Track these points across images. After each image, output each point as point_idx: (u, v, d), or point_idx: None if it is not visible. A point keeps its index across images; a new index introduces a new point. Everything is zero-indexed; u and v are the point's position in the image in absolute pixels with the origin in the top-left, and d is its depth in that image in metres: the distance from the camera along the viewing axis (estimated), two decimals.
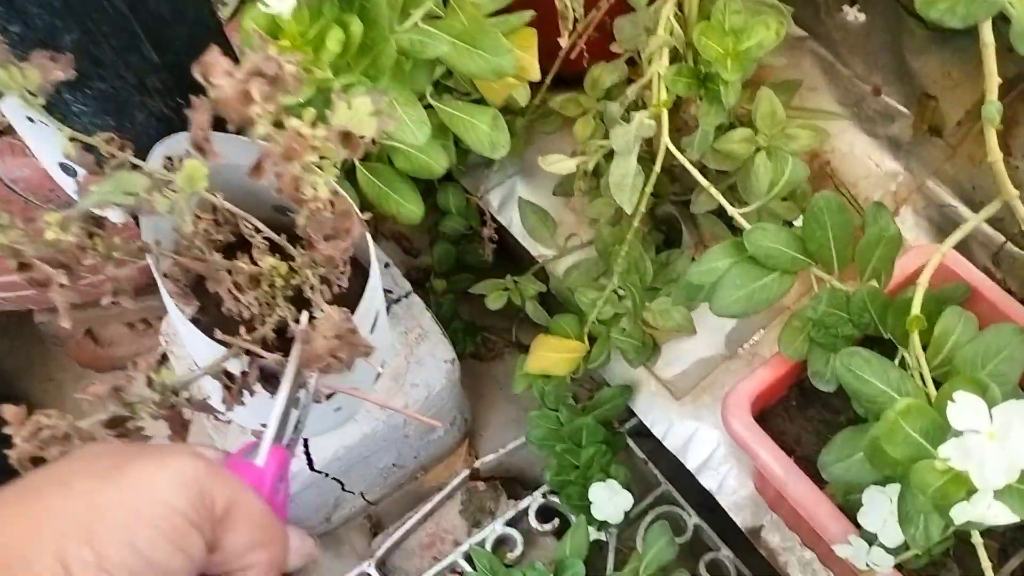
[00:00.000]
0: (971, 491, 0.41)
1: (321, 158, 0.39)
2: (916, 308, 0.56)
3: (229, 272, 0.51)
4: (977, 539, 0.49)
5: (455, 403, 0.92)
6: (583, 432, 0.84)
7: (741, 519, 0.82)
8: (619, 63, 0.82)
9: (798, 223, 0.85)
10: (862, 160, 0.98)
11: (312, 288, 0.49)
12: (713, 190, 0.71)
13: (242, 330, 0.51)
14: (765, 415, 0.70)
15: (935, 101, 0.94)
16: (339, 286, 0.50)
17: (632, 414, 0.90)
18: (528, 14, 0.71)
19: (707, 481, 0.83)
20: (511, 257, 1.02)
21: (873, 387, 0.51)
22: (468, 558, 0.85)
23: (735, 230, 0.92)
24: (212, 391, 0.67)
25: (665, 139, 0.71)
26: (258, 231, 0.51)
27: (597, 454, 0.84)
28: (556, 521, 0.87)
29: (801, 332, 0.67)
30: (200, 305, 0.60)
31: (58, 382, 1.06)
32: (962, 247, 0.95)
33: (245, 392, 0.51)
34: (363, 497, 0.95)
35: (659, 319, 0.84)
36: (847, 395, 0.69)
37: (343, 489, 0.91)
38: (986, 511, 0.40)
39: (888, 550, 0.57)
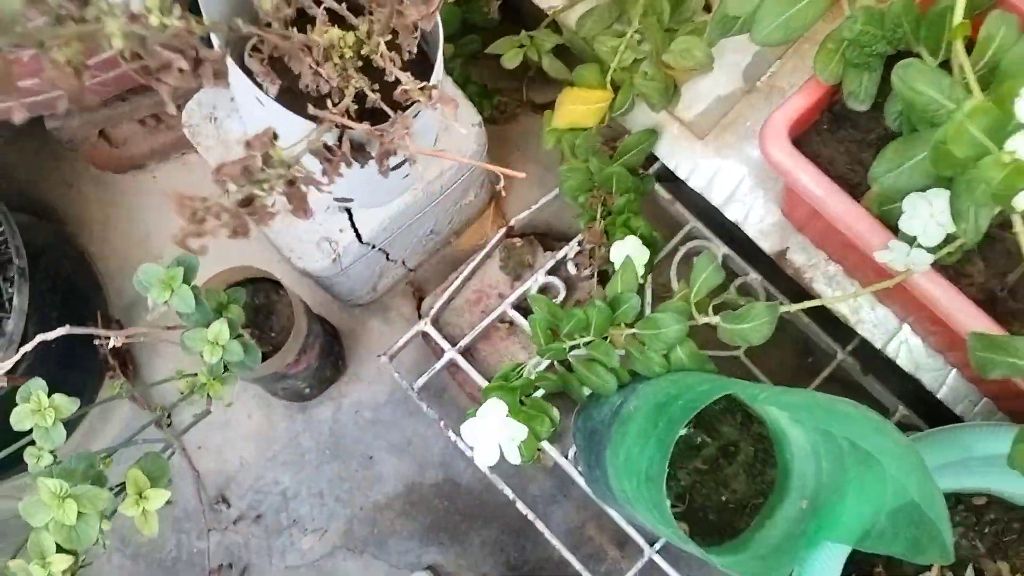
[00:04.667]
0: None
1: None
2: (959, 15, 0.57)
3: (307, 47, 0.50)
4: (1019, 226, 0.53)
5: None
6: (614, 179, 0.86)
7: (767, 244, 0.87)
8: None
9: None
10: None
11: (382, 56, 0.50)
12: None
13: (328, 104, 0.52)
14: (799, 142, 0.73)
15: None
16: (409, 52, 0.50)
17: (653, 160, 0.92)
18: None
19: (732, 213, 0.87)
20: (516, 14, 1.00)
21: (926, 96, 0.53)
22: (516, 307, 0.91)
23: None
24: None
25: None
26: (319, 3, 0.51)
27: (628, 201, 0.87)
28: (592, 267, 0.91)
29: (835, 54, 0.68)
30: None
31: (77, 187, 1.06)
32: None
33: (343, 164, 0.53)
34: (404, 265, 0.99)
35: (680, 59, 0.84)
36: (874, 114, 0.72)
37: (387, 259, 0.95)
38: None
39: (928, 250, 0.62)
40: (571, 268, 0.91)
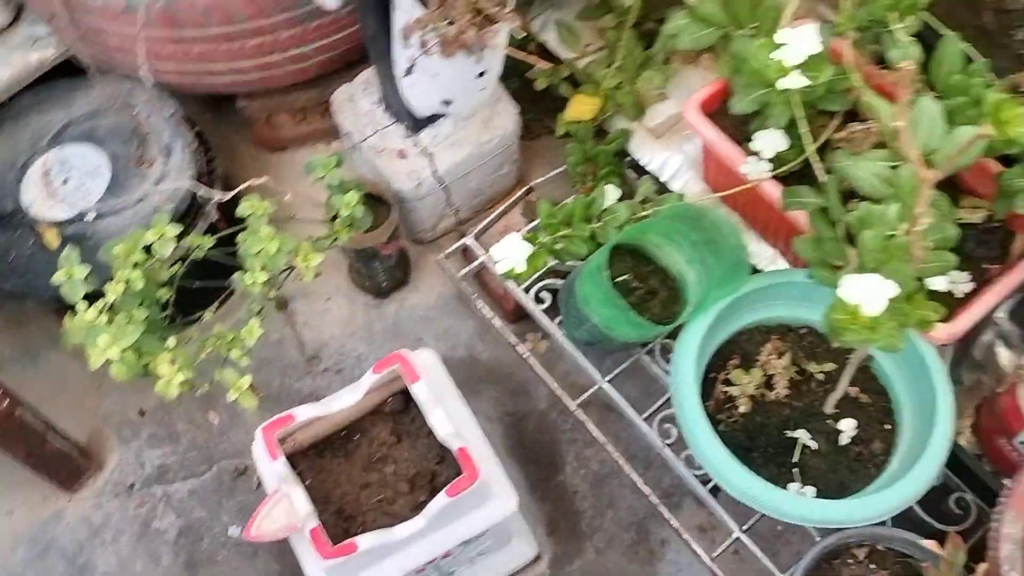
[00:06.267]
0: None
1: None
2: None
3: None
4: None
5: (516, 149, 1.45)
6: (601, 155, 1.36)
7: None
8: None
9: None
10: None
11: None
12: None
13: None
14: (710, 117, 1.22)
15: None
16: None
17: (625, 155, 1.41)
18: None
19: (675, 185, 1.36)
20: (549, 57, 1.52)
21: None
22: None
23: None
24: None
25: None
26: None
27: (609, 171, 1.36)
28: None
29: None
30: None
31: (238, 157, 1.57)
32: None
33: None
34: (456, 216, 1.48)
35: (646, 83, 1.36)
36: None
37: (447, 203, 1.43)
38: None
39: (767, 161, 1.10)
40: None
